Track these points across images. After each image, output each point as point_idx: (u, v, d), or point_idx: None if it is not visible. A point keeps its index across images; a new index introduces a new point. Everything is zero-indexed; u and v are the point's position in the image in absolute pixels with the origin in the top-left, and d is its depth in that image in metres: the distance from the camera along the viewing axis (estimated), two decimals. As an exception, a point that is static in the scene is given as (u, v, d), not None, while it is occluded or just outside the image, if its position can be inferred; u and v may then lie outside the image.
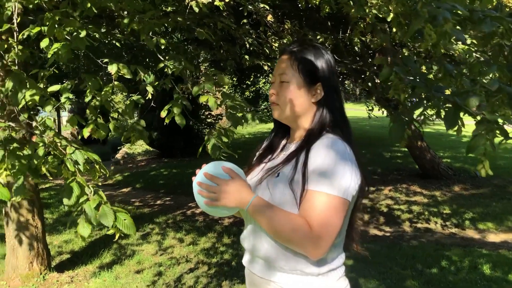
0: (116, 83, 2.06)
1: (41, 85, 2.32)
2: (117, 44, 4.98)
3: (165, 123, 2.24)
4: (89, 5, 2.39)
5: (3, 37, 2.39)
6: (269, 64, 4.42)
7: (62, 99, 2.18)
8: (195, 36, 3.63)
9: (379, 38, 2.65)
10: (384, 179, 8.36)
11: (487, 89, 1.80)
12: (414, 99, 1.69)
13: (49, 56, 2.20)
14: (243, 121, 2.28)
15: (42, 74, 2.39)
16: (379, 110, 7.72)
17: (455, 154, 10.33)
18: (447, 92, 2.02)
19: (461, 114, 1.46)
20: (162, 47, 3.73)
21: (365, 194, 1.41)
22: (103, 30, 5.06)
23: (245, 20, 4.32)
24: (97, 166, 1.85)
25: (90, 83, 2.04)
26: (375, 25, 2.25)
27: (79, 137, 2.32)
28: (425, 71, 2.73)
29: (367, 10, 2.45)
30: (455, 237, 5.56)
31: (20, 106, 2.18)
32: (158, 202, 8.08)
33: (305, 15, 5.55)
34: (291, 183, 1.27)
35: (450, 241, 5.34)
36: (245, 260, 1.47)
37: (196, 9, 2.71)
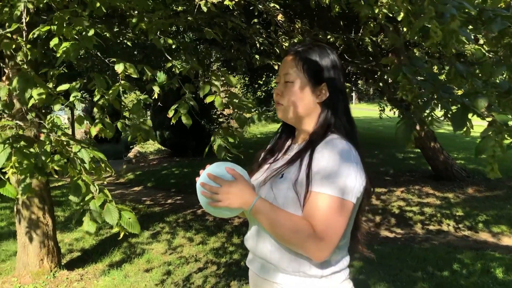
0: (123, 82, 2.07)
1: (51, 84, 2.34)
2: (129, 43, 5.00)
3: (171, 123, 2.24)
4: (98, 4, 2.40)
5: (14, 36, 2.41)
6: (279, 63, 4.39)
7: (71, 98, 2.19)
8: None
9: (389, 37, 2.62)
10: (397, 180, 8.29)
11: (499, 90, 1.76)
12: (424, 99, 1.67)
13: (58, 55, 2.22)
14: (249, 121, 2.28)
15: (51, 73, 2.40)
16: (390, 110, 7.64)
17: (469, 155, 10.19)
18: (459, 92, 1.99)
19: (470, 115, 1.43)
20: (173, 46, 3.74)
21: (370, 196, 1.39)
22: (115, 30, 5.10)
23: (255, 20, 4.31)
24: (103, 165, 1.85)
25: (98, 82, 2.04)
26: (383, 24, 2.22)
27: (102, 135, 2.32)
28: (437, 72, 2.70)
29: (376, 10, 2.42)
30: (467, 239, 5.49)
31: (30, 104, 2.19)
32: (169, 201, 8.11)
33: (316, 14, 5.52)
34: (295, 185, 1.26)
35: (462, 243, 5.27)
36: (248, 261, 1.46)
37: (205, 9, 2.71)
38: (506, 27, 1.60)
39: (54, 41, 2.23)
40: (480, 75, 2.04)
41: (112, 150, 17.04)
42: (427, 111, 1.55)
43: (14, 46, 2.10)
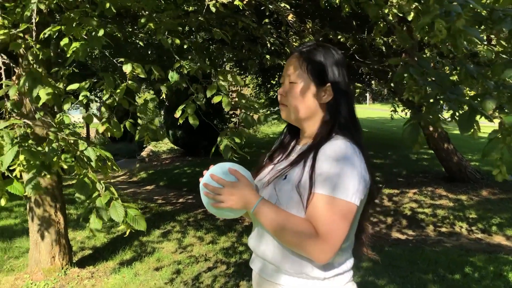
0: (130, 82, 2.08)
1: (61, 84, 2.37)
2: (141, 43, 5.03)
3: (178, 123, 2.25)
4: (108, 5, 2.42)
5: (26, 36, 2.44)
6: (290, 63, 4.37)
7: (80, 97, 2.22)
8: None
9: (399, 38, 2.59)
10: (409, 182, 8.21)
11: (510, 91, 1.73)
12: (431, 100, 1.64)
13: (68, 55, 2.24)
14: (263, 121, 2.27)
15: (61, 72, 2.43)
16: (402, 111, 7.57)
17: (491, 157, 10.03)
18: (472, 93, 1.96)
19: (477, 117, 1.41)
20: (185, 46, 3.75)
21: (375, 198, 1.38)
22: (128, 30, 5.14)
23: (266, 20, 4.30)
24: (109, 163, 1.87)
25: (106, 82, 2.06)
26: (391, 25, 2.20)
27: (108, 134, 2.33)
28: (449, 72, 2.66)
29: (386, 10, 2.39)
30: (480, 242, 5.42)
31: (40, 104, 2.22)
32: (181, 200, 8.15)
33: (328, 14, 5.49)
34: (298, 186, 1.25)
35: (475, 246, 5.20)
36: (251, 262, 1.46)
37: (213, 9, 2.71)
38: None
39: (64, 41, 2.25)
40: (491, 76, 2.01)
41: (126, 149, 17.20)
42: (434, 112, 1.53)
43: (23, 46, 2.12)
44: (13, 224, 6.15)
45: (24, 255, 4.69)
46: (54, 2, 2.04)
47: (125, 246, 5.05)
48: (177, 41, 2.42)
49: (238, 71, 10.51)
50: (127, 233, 1.82)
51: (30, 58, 2.16)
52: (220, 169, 1.32)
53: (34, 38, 2.07)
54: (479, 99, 1.46)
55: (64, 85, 2.38)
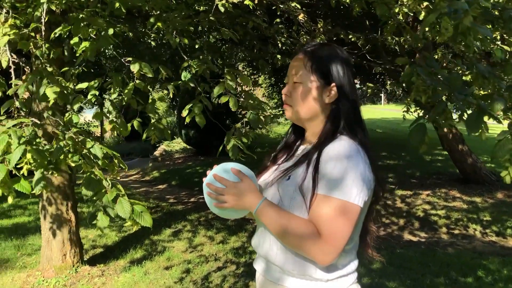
0: (138, 81, 2.09)
1: (71, 84, 2.39)
2: (153, 43, 5.06)
3: (185, 122, 2.25)
4: (117, 4, 2.44)
5: (37, 36, 2.47)
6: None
7: (89, 96, 2.23)
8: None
9: (411, 37, 2.56)
10: (423, 183, 8.11)
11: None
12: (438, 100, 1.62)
13: (77, 54, 2.26)
14: (276, 121, 2.27)
15: (71, 72, 2.45)
16: (415, 111, 7.47)
17: (499, 158, 9.89)
18: (483, 93, 1.92)
19: (486, 118, 1.38)
20: (196, 46, 3.76)
21: (380, 199, 1.36)
22: (141, 30, 5.16)
23: (278, 20, 4.29)
24: (116, 161, 1.88)
25: (114, 81, 2.07)
26: (400, 24, 2.17)
27: (115, 133, 2.36)
28: (461, 72, 2.62)
29: (397, 9, 2.37)
30: (494, 245, 5.33)
31: (51, 103, 2.24)
32: (192, 199, 8.18)
33: (341, 14, 5.46)
34: (301, 187, 1.24)
35: (489, 249, 5.12)
36: (255, 262, 1.45)
37: (222, 9, 2.71)
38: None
39: (75, 40, 2.27)
40: (503, 75, 1.98)
41: (140, 148, 17.30)
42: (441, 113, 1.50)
43: (31, 45, 2.14)
44: (27, 221, 6.24)
45: (36, 253, 4.76)
46: (64, 2, 2.06)
47: (136, 245, 5.09)
48: (185, 40, 2.43)
49: (250, 71, 10.51)
50: (134, 229, 1.83)
51: (43, 56, 2.18)
52: (223, 169, 1.32)
53: (43, 37, 2.09)
54: (488, 99, 1.43)
55: (74, 84, 2.40)
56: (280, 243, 1.27)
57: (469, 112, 1.40)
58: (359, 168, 1.20)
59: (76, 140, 1.76)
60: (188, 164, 12.17)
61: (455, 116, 1.64)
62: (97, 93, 2.20)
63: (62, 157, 1.68)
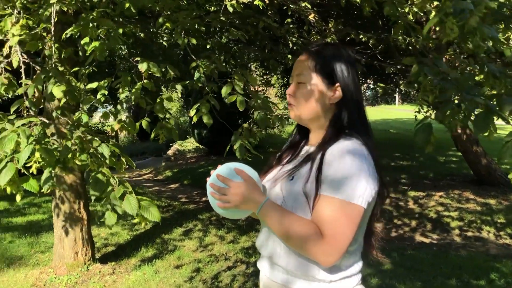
0: (145, 81, 2.10)
1: (81, 84, 2.42)
2: (164, 43, 5.09)
3: (192, 122, 2.26)
4: (127, 5, 2.46)
5: (48, 36, 2.50)
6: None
7: (98, 96, 2.26)
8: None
9: (420, 37, 2.53)
10: (436, 184, 8.02)
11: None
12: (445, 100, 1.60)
13: (87, 54, 2.29)
14: (287, 121, 2.28)
15: (82, 72, 2.48)
16: (426, 112, 7.39)
17: (505, 160, 9.73)
18: (494, 92, 1.90)
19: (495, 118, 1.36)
20: (208, 46, 3.77)
21: (384, 200, 1.35)
22: (152, 30, 5.19)
23: (289, 20, 4.28)
24: (123, 159, 1.89)
25: (123, 81, 2.09)
26: (409, 24, 2.15)
27: (124, 132, 2.38)
28: (472, 72, 2.59)
29: (406, 9, 2.35)
30: (508, 248, 5.24)
31: (62, 102, 2.27)
32: (204, 199, 8.20)
33: (352, 14, 5.43)
34: (305, 187, 1.23)
35: (502, 252, 5.04)
36: (259, 263, 1.45)
37: (231, 9, 2.72)
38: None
39: (85, 40, 2.30)
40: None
41: (153, 148, 17.42)
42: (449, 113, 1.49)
43: (40, 46, 2.17)
44: (41, 219, 6.32)
45: (49, 250, 4.82)
46: (73, 2, 2.08)
47: (147, 244, 5.12)
48: (193, 40, 2.44)
49: (263, 71, 10.50)
50: (142, 225, 1.85)
51: (52, 56, 2.21)
52: (227, 169, 1.32)
53: (53, 37, 2.11)
54: (496, 99, 1.41)
55: (85, 84, 2.43)
56: (283, 243, 1.27)
57: (477, 112, 1.38)
58: (363, 169, 1.19)
59: (84, 139, 1.78)
60: (201, 163, 12.22)
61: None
62: (106, 92, 2.22)
63: (70, 156, 1.70)
